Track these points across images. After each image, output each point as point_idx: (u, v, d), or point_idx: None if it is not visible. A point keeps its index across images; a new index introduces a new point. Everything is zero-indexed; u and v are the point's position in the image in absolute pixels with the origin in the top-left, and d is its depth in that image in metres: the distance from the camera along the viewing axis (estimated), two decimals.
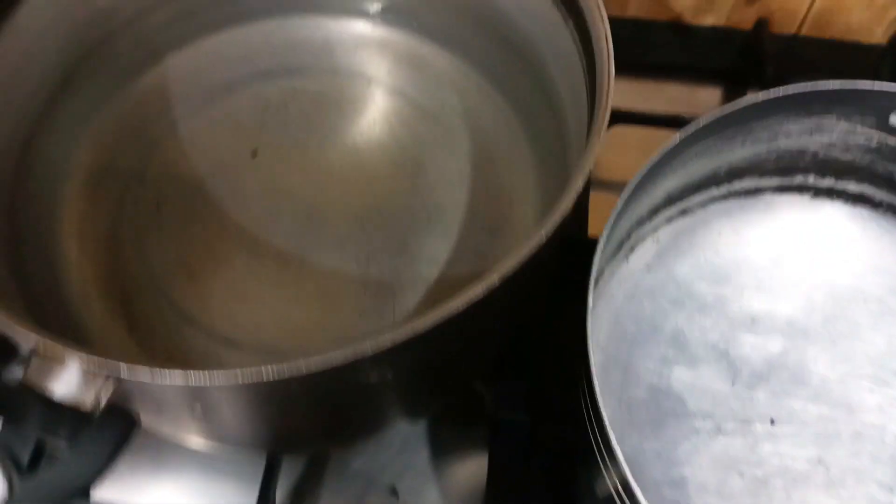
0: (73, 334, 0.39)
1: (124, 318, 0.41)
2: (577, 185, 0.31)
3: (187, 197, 0.45)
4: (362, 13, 0.49)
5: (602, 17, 0.35)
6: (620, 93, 0.59)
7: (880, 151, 0.42)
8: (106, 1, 0.44)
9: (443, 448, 0.44)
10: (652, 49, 0.60)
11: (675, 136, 0.37)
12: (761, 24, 0.60)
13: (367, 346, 0.27)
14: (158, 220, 0.44)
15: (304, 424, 0.37)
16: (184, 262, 0.43)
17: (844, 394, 0.42)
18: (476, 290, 0.29)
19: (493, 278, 0.29)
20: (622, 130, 0.50)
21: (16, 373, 0.41)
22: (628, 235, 0.42)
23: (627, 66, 0.59)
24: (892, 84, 0.39)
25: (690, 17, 0.61)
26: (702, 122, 0.38)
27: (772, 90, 0.38)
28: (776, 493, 0.40)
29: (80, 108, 0.45)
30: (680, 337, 0.43)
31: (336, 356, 0.27)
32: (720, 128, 0.39)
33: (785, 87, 0.38)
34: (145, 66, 0.47)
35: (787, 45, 0.61)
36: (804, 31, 0.60)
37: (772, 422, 0.41)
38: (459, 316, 0.28)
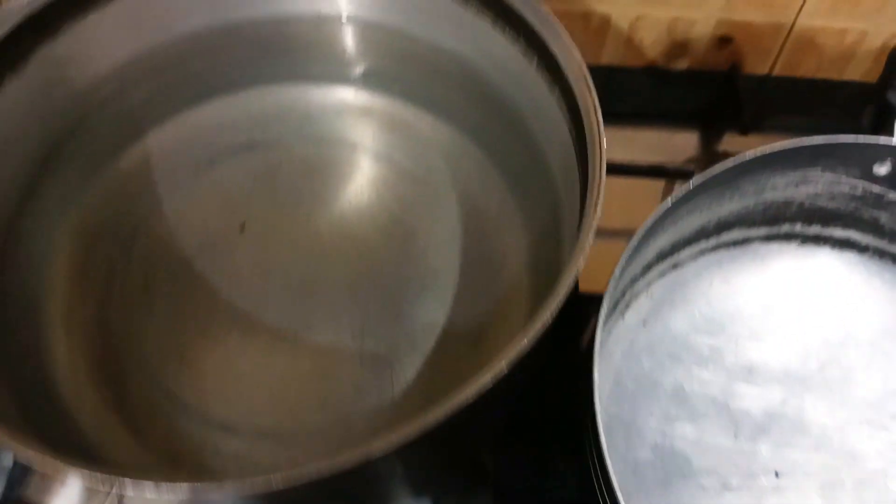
0: (66, 430, 0.38)
1: (118, 408, 0.40)
2: (577, 266, 0.30)
3: (176, 275, 0.44)
4: (344, 79, 0.48)
5: (590, 89, 0.35)
6: None
7: (864, 199, 0.43)
8: (84, 82, 0.43)
9: None
10: (627, 96, 0.61)
11: (667, 201, 0.37)
12: (735, 66, 0.61)
13: (376, 447, 0.27)
14: (147, 301, 0.43)
15: None
16: (176, 344, 0.42)
17: (845, 441, 0.42)
18: (484, 380, 0.28)
19: (500, 366, 0.29)
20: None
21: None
22: (623, 294, 0.42)
23: (603, 114, 0.59)
24: (874, 137, 0.39)
25: (664, 62, 0.61)
26: (692, 184, 0.38)
27: (759, 149, 0.38)
28: None
29: (61, 190, 0.44)
30: (680, 392, 0.43)
31: (345, 460, 0.26)
32: (709, 186, 0.40)
33: (772, 144, 0.39)
34: (127, 143, 0.46)
35: (761, 86, 0.62)
36: (776, 71, 0.61)
37: (776, 475, 0.41)
38: (468, 406, 0.28)
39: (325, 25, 0.45)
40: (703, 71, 0.62)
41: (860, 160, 0.41)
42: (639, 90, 0.62)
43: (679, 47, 0.61)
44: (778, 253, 0.46)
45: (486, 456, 0.43)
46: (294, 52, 0.47)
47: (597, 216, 0.31)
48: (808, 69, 0.61)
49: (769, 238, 0.46)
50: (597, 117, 0.34)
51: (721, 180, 0.40)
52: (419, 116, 0.47)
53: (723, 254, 0.46)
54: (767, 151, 0.38)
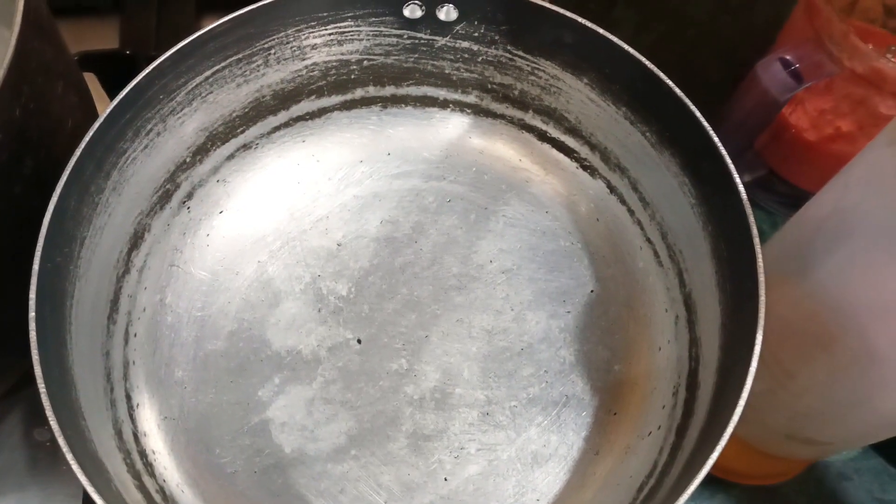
0: None
1: None
2: None
3: None
4: None
5: None
6: None
7: (418, 49, 0.41)
8: None
9: None
10: None
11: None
12: None
13: None
14: None
15: None
16: None
17: (433, 298, 0.41)
18: None
19: None
20: None
21: None
22: (173, 182, 0.40)
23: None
24: None
25: None
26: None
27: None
28: (365, 414, 0.39)
29: None
30: (263, 276, 0.42)
31: None
32: (218, 53, 0.37)
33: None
34: None
35: None
36: None
37: (358, 341, 0.40)
38: None
39: None
40: None
41: (386, 5, 0.39)
42: None
43: None
44: (361, 119, 0.44)
45: None
46: None
47: None
48: None
49: (348, 106, 0.44)
50: None
51: (222, 47, 0.37)
52: None
53: (303, 129, 0.44)
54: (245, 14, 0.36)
